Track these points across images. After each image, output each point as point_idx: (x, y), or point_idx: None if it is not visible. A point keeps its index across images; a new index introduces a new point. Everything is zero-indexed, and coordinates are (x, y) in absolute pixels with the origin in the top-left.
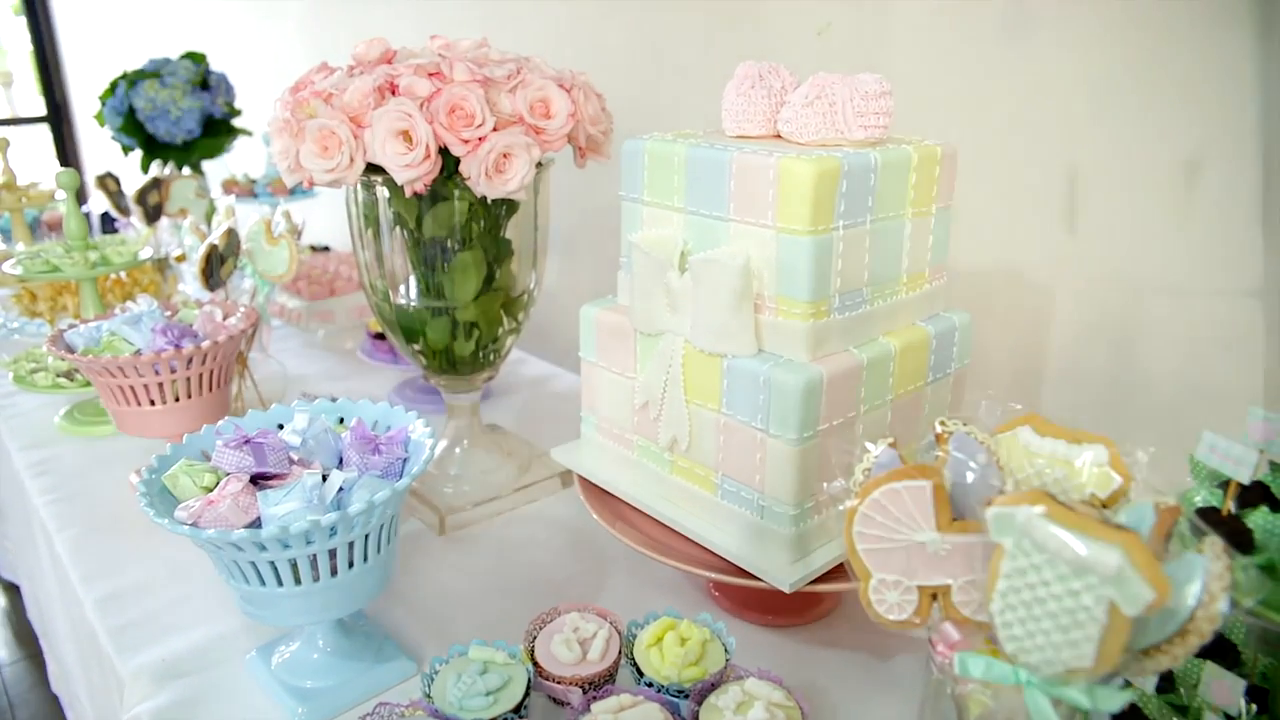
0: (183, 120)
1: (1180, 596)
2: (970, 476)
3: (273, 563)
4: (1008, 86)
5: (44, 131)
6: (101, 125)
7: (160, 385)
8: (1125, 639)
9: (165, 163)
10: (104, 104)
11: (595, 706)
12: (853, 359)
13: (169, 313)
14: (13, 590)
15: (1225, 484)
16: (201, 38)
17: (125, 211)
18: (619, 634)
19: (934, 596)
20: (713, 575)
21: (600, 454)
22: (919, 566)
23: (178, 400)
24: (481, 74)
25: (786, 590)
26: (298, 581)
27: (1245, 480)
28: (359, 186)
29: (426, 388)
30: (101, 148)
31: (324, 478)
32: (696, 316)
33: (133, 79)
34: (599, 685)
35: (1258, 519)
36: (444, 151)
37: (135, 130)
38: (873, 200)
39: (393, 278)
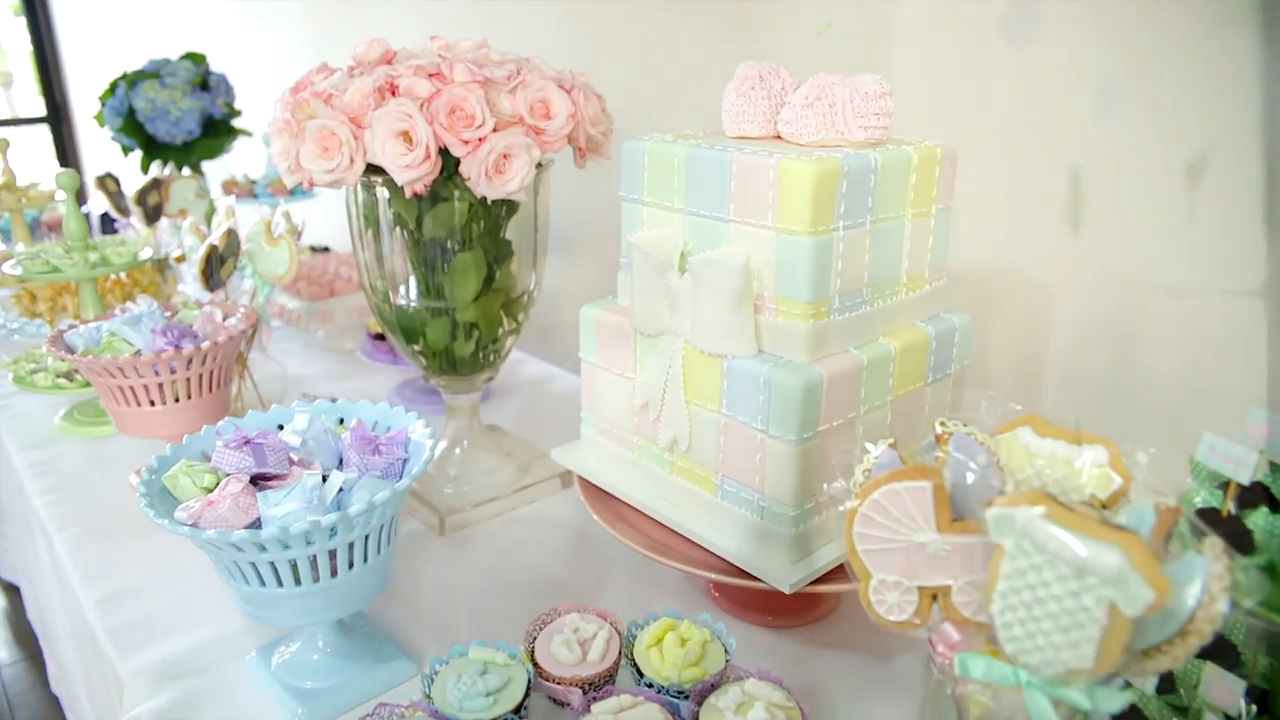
0: (182, 121)
1: (1180, 597)
2: (970, 477)
3: (273, 563)
4: (1010, 87)
5: (44, 132)
6: (101, 126)
7: (160, 386)
8: (1125, 640)
9: (165, 163)
10: (104, 104)
11: (595, 707)
12: (853, 360)
13: (169, 313)
14: (12, 591)
15: (1225, 485)
16: (201, 38)
17: (125, 212)
18: (619, 635)
19: (934, 597)
20: (713, 576)
21: (600, 455)
22: (919, 567)
23: (177, 401)
24: (482, 75)
25: (786, 591)
26: (298, 582)
27: (1245, 481)
28: (359, 187)
29: (426, 388)
30: (101, 148)
31: (324, 478)
32: (696, 317)
33: (132, 79)
34: (599, 686)
35: (1258, 520)
36: (444, 152)
37: (135, 131)
38: (873, 201)
39: (393, 278)
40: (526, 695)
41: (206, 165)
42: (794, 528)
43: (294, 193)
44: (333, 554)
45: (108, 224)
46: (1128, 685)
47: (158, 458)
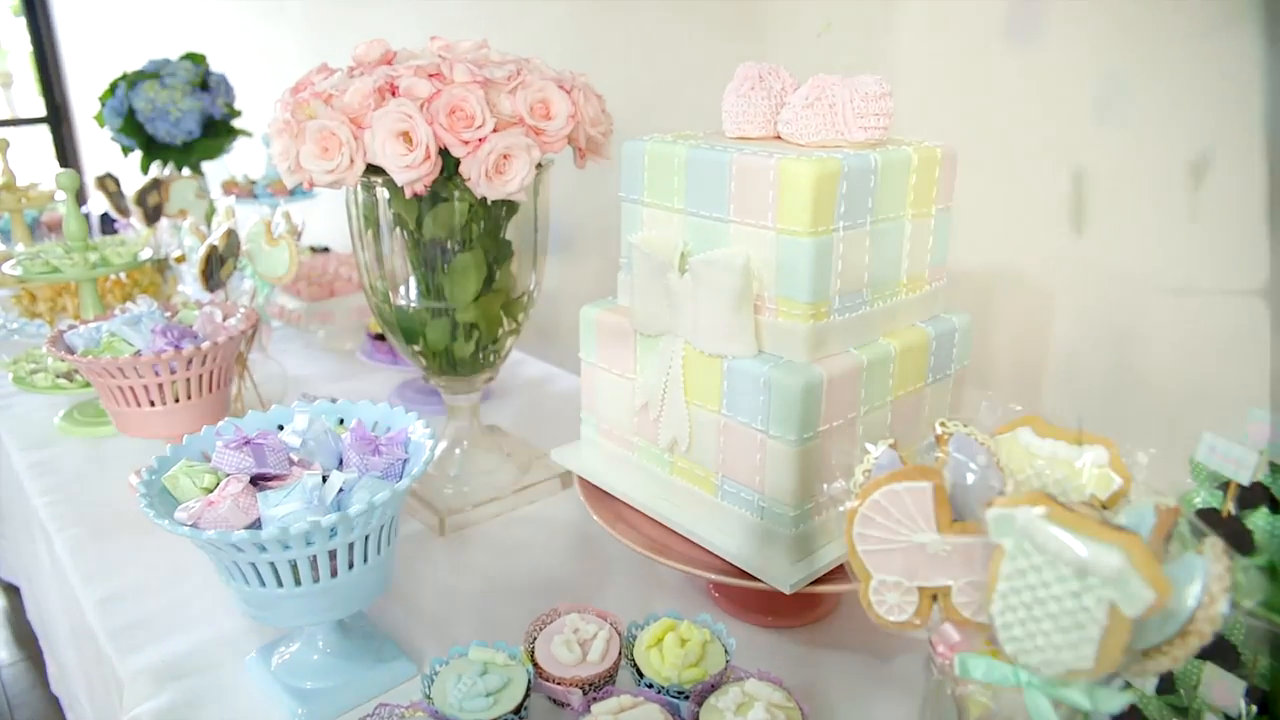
0: (182, 121)
1: (1180, 598)
2: (970, 478)
3: (273, 564)
4: (1012, 87)
5: (44, 132)
6: (101, 126)
7: (160, 386)
8: (1126, 640)
9: (165, 164)
10: (104, 105)
11: (595, 708)
12: (853, 360)
13: (169, 314)
14: (12, 591)
15: (1225, 485)
16: (201, 38)
17: (125, 212)
18: (619, 635)
19: (934, 598)
20: (713, 576)
21: (600, 455)
22: (919, 568)
23: (177, 401)
24: (482, 75)
25: (787, 591)
26: (298, 582)
27: (1245, 481)
28: (359, 187)
29: (426, 389)
30: (101, 149)
31: (324, 479)
32: (696, 317)
33: (132, 80)
34: (599, 686)
35: (1258, 520)
36: (444, 152)
37: (135, 131)
38: (873, 201)
39: (393, 279)
40: (526, 696)
41: (206, 165)
42: (794, 528)
43: (294, 193)
44: (333, 554)
45: (107, 224)
46: (1128, 686)
47: (158, 458)
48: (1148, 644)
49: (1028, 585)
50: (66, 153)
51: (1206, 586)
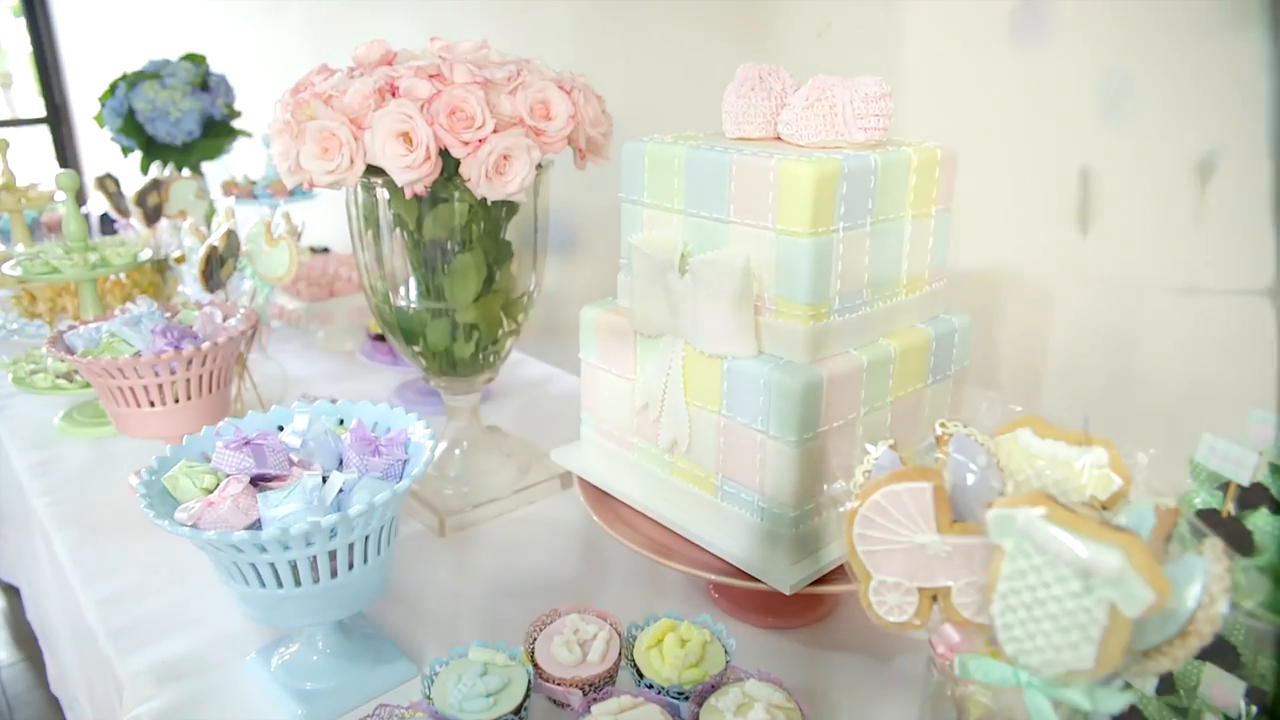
0: (182, 122)
1: (1180, 598)
2: (971, 478)
3: (273, 564)
4: (1018, 87)
5: (43, 133)
6: (101, 126)
7: (160, 387)
8: (1126, 640)
9: (165, 164)
10: (103, 105)
11: (595, 708)
12: (853, 361)
13: (168, 314)
14: (12, 592)
15: (1225, 486)
16: (201, 39)
17: (125, 213)
18: (619, 636)
19: (934, 598)
20: (713, 577)
21: (600, 456)
22: (919, 568)
23: (177, 402)
24: (482, 76)
25: (786, 592)
26: (298, 583)
27: (1245, 482)
28: (359, 188)
29: (426, 389)
30: (101, 149)
31: (324, 479)
32: (696, 318)
33: (132, 80)
34: (599, 687)
35: (1257, 521)
36: (444, 153)
37: (135, 131)
38: (872, 202)
39: (393, 279)
40: (526, 696)
41: (206, 166)
42: (794, 529)
43: (294, 193)
44: (333, 555)
45: (107, 225)
46: (1128, 686)
47: (157, 459)
48: (1148, 644)
49: (1028, 586)
50: (66, 153)
51: (1206, 587)
